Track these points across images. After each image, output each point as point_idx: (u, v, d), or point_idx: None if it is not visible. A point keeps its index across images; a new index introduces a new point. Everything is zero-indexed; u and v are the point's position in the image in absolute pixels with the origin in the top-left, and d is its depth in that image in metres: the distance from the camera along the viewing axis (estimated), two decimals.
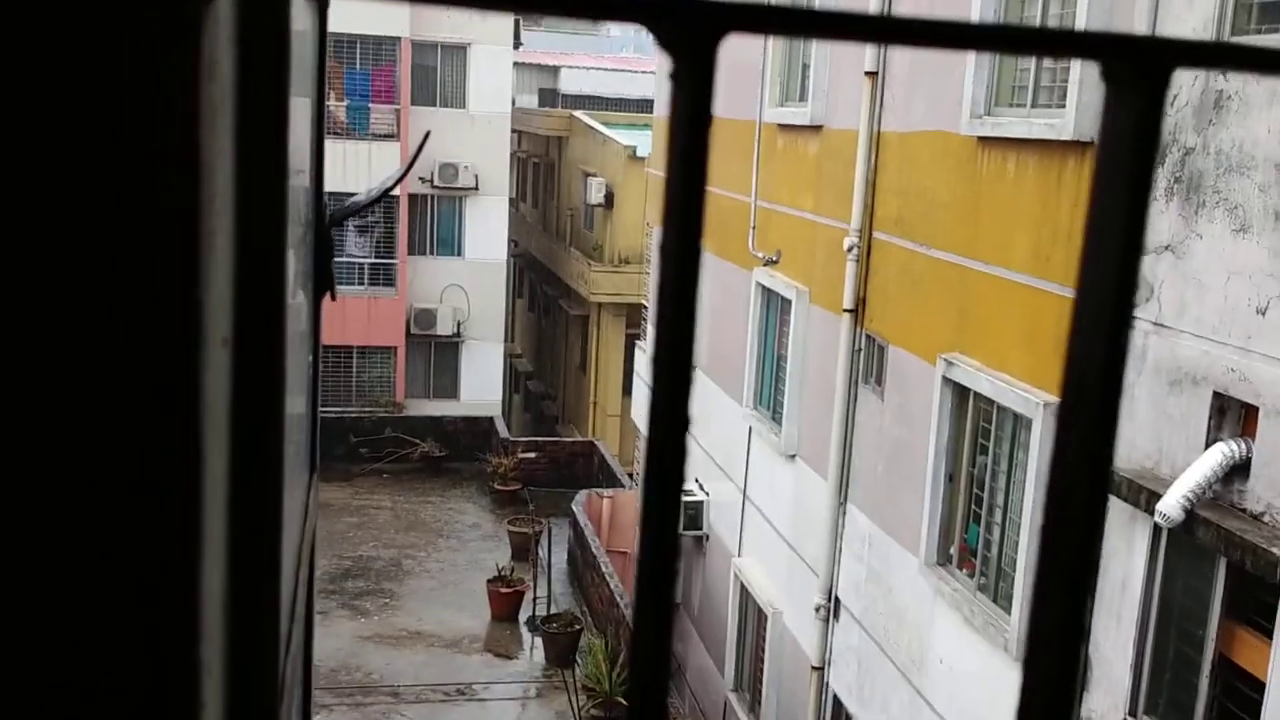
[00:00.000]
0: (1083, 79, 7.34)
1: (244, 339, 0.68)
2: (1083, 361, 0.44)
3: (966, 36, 0.42)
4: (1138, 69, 0.43)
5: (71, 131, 0.48)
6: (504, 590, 17.67)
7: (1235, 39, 6.33)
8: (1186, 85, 6.55)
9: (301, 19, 1.34)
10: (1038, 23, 8.17)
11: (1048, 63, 8.12)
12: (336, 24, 24.14)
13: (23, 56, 0.46)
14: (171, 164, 0.49)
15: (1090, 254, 0.45)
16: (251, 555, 0.74)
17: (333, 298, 1.73)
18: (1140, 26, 6.86)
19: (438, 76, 26.25)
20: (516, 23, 27.28)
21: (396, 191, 25.11)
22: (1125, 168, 0.43)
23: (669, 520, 0.43)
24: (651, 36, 0.39)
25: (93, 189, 0.48)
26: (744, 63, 13.42)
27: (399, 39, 25.28)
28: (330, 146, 25.88)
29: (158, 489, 0.53)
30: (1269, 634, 5.98)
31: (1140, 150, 0.43)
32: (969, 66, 8.68)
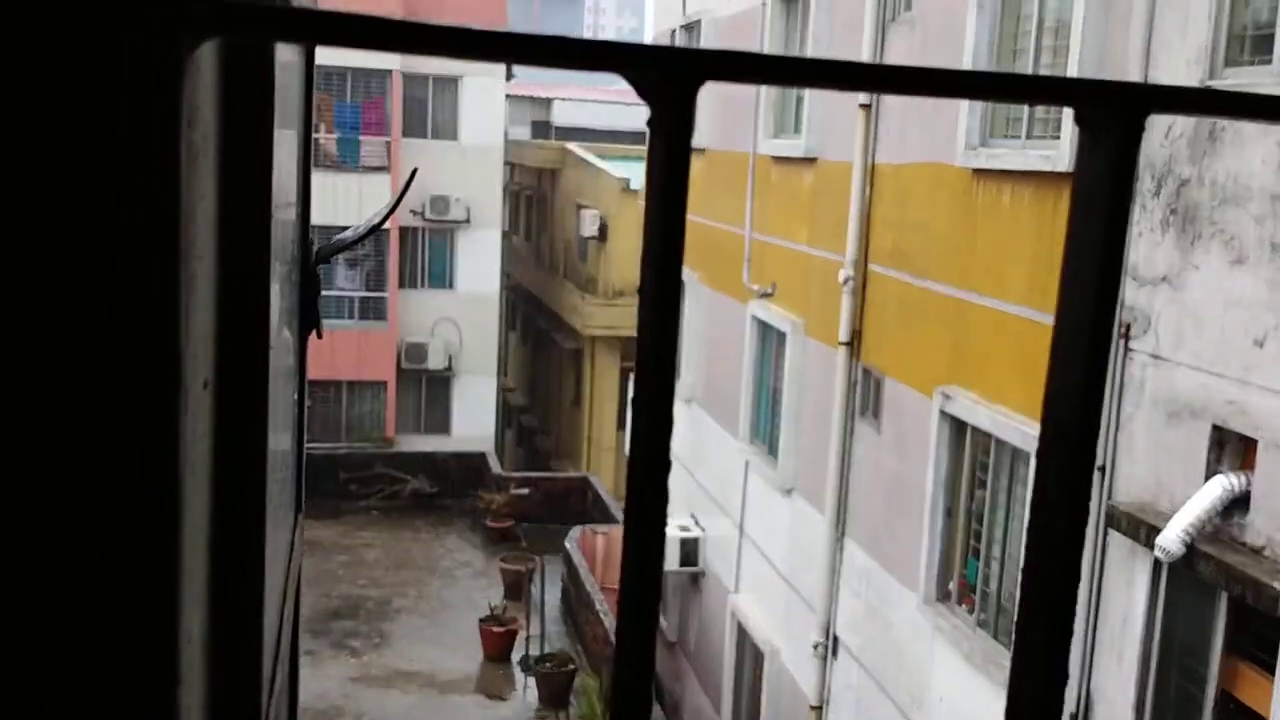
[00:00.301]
0: None
1: (227, 381, 0.66)
2: (1060, 399, 0.46)
3: (942, 84, 0.43)
4: (1112, 114, 0.44)
5: (53, 176, 0.48)
6: (496, 629, 17.50)
7: (1229, 70, 6.32)
8: (1180, 116, 6.54)
9: (288, 52, 1.30)
10: (1031, 55, 8.18)
11: None
12: (327, 57, 24.26)
13: (6, 101, 0.46)
14: (151, 209, 0.49)
15: (1066, 296, 0.46)
16: (234, 598, 0.73)
17: (318, 335, 1.68)
18: (1134, 58, 6.86)
19: (429, 109, 26.33)
20: None
21: (387, 225, 25.11)
22: (1100, 211, 0.44)
23: (651, 560, 0.44)
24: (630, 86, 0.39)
25: (72, 232, 0.48)
26: (738, 95, 13.46)
27: (390, 71, 25.37)
28: (320, 179, 25.91)
29: (135, 532, 0.52)
30: (1271, 670, 5.90)
31: (1115, 193, 0.44)
32: (963, 99, 8.68)
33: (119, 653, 0.53)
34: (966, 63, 8.64)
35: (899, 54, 9.93)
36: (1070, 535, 0.46)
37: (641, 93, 0.37)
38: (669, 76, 0.37)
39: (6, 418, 0.49)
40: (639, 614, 0.42)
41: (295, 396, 1.62)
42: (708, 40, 14.60)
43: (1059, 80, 0.46)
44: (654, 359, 0.38)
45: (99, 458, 0.51)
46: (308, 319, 1.67)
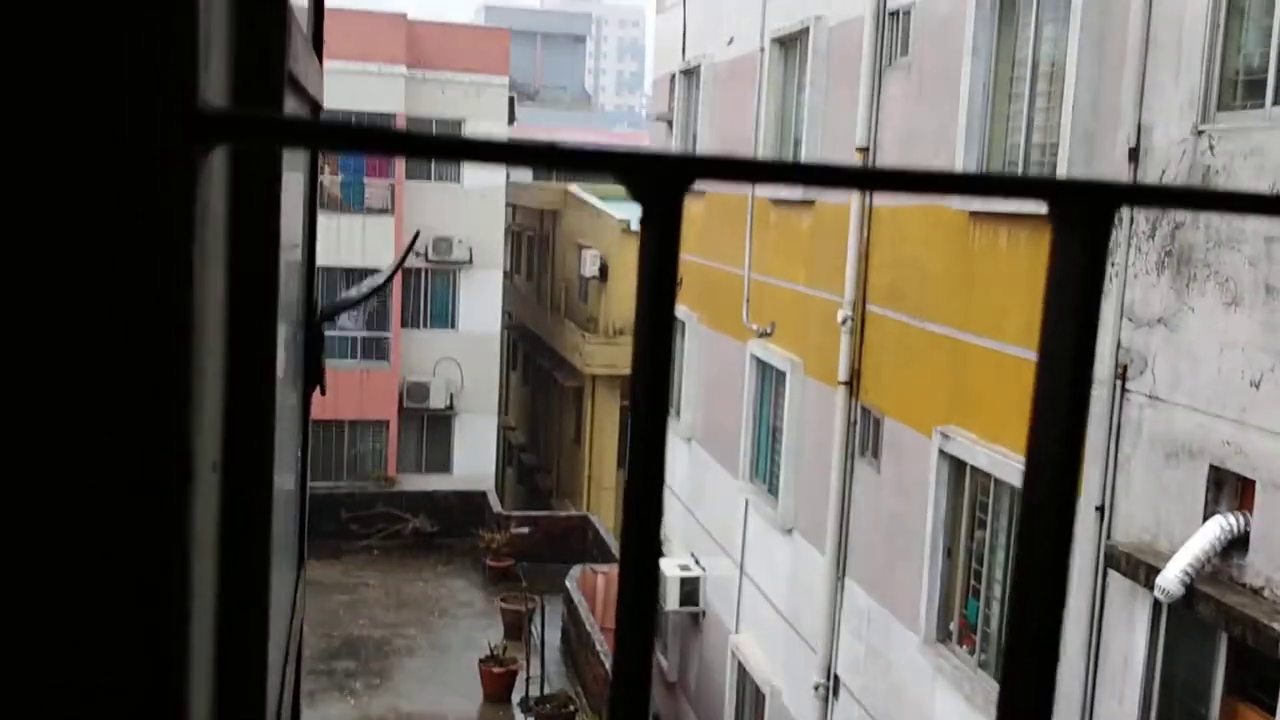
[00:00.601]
0: (1071, 155, 7.42)
1: (232, 460, 0.68)
2: (1036, 491, 0.47)
3: (924, 183, 0.46)
4: (1082, 211, 0.46)
5: (68, 283, 0.49)
6: (496, 670, 17.40)
7: (1221, 113, 6.40)
8: (1175, 159, 6.62)
9: (294, 109, 1.35)
10: (1026, 98, 8.27)
11: (1037, 137, 8.22)
12: (332, 100, 24.42)
13: (28, 195, 0.48)
14: (164, 306, 0.51)
15: (1043, 385, 0.47)
16: (237, 677, 0.73)
17: (322, 392, 1.72)
18: (1127, 101, 6.95)
19: None
20: (511, 99, 27.65)
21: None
22: (1072, 302, 0.46)
23: (647, 601, 0.45)
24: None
25: (88, 328, 0.50)
26: (736, 136, 13.59)
27: (394, 115, 25.58)
28: (325, 220, 26.06)
29: (143, 618, 0.53)
30: (1272, 710, 5.89)
31: (1086, 284, 0.46)
32: (959, 142, 8.78)
33: None
34: (962, 105, 8.75)
35: (896, 98, 10.04)
36: (1055, 570, 0.47)
37: (633, 193, 0.40)
38: (659, 178, 0.40)
39: (13, 518, 0.51)
40: (635, 653, 0.42)
41: (299, 453, 1.64)
42: (706, 83, 14.75)
43: (1033, 179, 0.50)
44: (644, 453, 0.41)
45: (107, 551, 0.52)
46: (311, 376, 1.70)
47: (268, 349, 0.78)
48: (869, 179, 0.45)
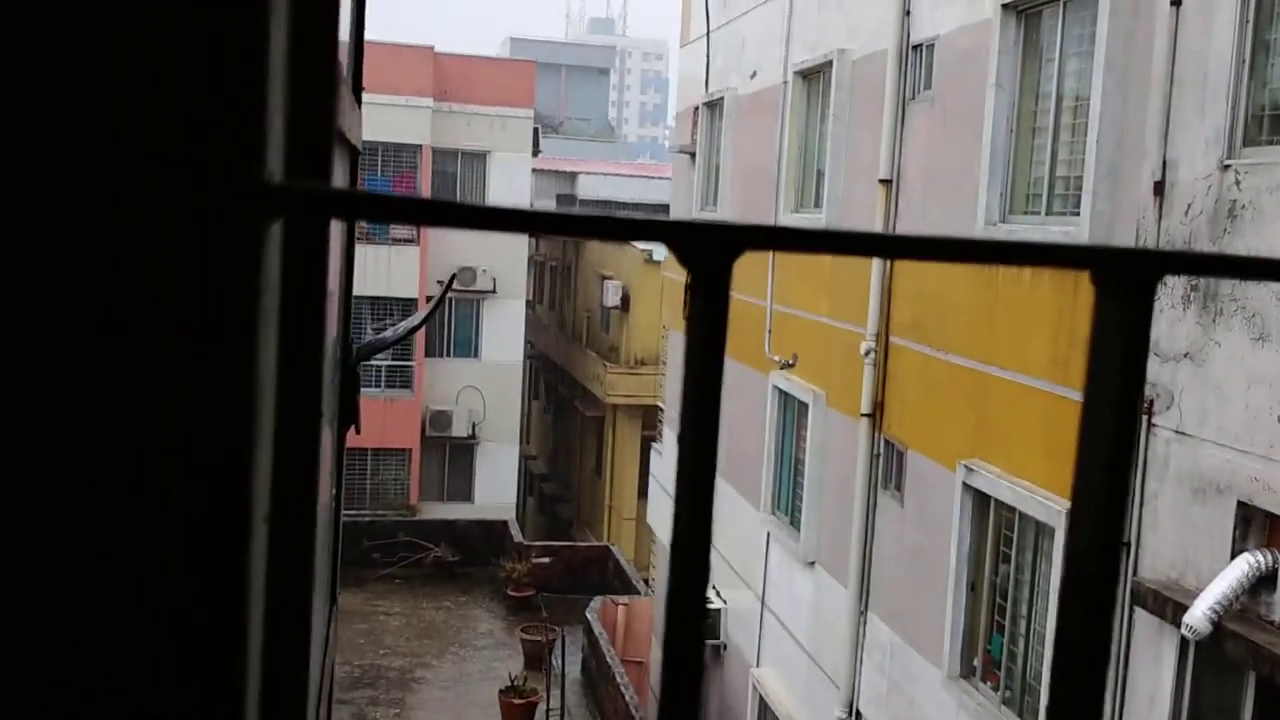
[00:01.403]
0: (1096, 189, 7.41)
1: (280, 514, 0.69)
2: (1081, 563, 0.47)
3: (959, 250, 0.47)
4: (1125, 280, 0.46)
5: (150, 346, 0.51)
6: (516, 701, 17.33)
7: (1247, 149, 6.39)
8: (1200, 194, 6.60)
9: (336, 174, 1.38)
10: (1050, 133, 8.28)
11: (1061, 170, 8.21)
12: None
13: (114, 268, 0.49)
14: (234, 368, 0.52)
15: (1085, 453, 0.47)
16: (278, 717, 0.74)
17: (357, 431, 1.74)
18: (1152, 137, 6.94)
19: (458, 182, 26.71)
20: (536, 130, 27.84)
21: (416, 295, 25.35)
22: (1115, 370, 0.46)
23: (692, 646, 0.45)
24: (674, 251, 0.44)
25: (160, 398, 0.51)
26: (759, 168, 13.63)
27: (420, 146, 25.80)
28: None
29: (203, 673, 0.55)
30: None
31: (1129, 356, 0.46)
32: (983, 174, 8.78)
33: None
34: (985, 139, 8.75)
35: (919, 131, 10.06)
36: (1100, 620, 0.48)
37: (683, 261, 0.42)
38: (709, 247, 0.41)
39: (88, 549, 0.52)
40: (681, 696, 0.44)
41: (334, 492, 1.65)
42: (729, 115, 14.82)
43: (1075, 247, 0.50)
44: (690, 512, 0.42)
45: (167, 599, 0.53)
46: (347, 416, 1.72)
47: (314, 406, 0.79)
48: (909, 247, 0.46)
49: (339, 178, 1.28)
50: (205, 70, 0.48)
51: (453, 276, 3.97)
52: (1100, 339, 0.47)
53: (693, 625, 0.43)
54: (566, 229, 0.40)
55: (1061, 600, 0.50)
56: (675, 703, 0.42)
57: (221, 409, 0.52)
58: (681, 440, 0.43)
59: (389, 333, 2.52)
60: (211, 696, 0.54)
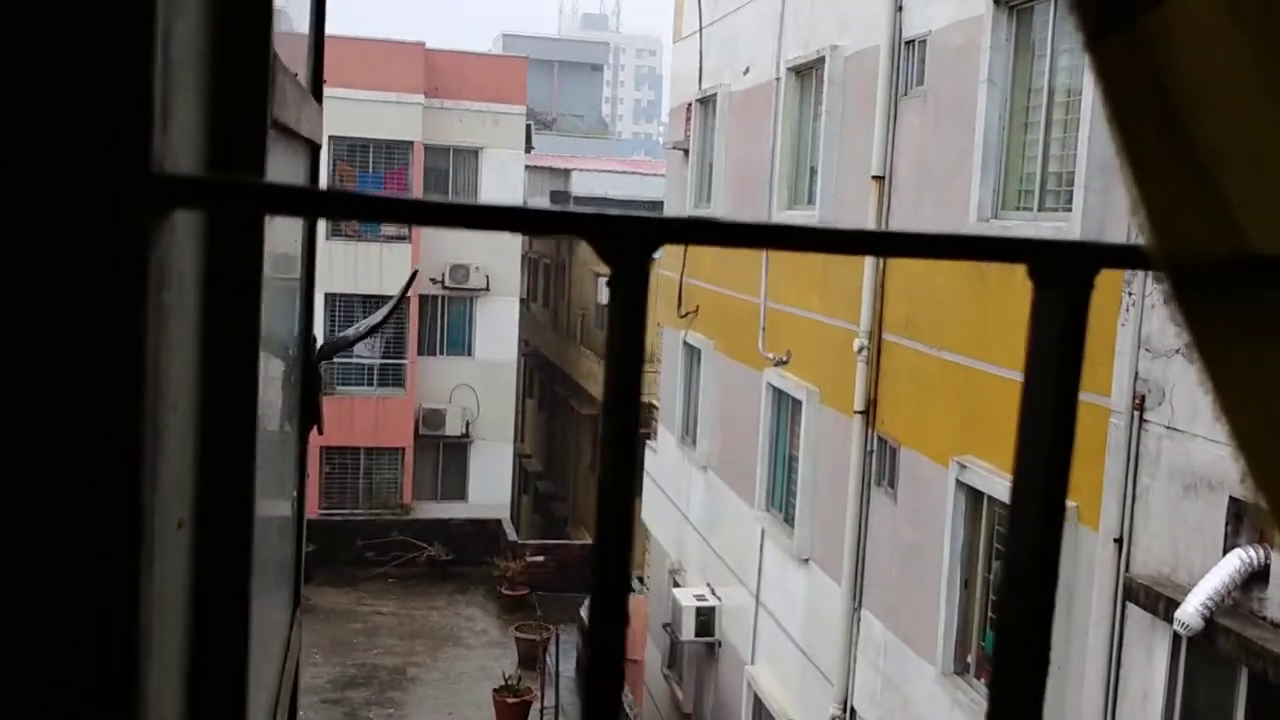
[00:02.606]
0: (1088, 184, 7.41)
1: (209, 514, 0.67)
2: (1020, 551, 0.47)
3: (892, 244, 0.48)
4: (1063, 272, 0.46)
5: (20, 347, 0.49)
6: (510, 700, 17.33)
7: None
8: None
9: (291, 170, 1.35)
10: (1042, 128, 8.27)
11: (1053, 166, 8.20)
12: (350, 128, 24.68)
13: None
14: (113, 368, 0.50)
15: (1024, 444, 0.47)
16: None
17: (320, 431, 1.71)
18: None
19: (450, 179, 26.67)
20: (528, 127, 27.81)
21: (408, 293, 25.29)
22: (1054, 363, 0.46)
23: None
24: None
25: (35, 385, 0.50)
26: (753, 167, 13.62)
27: (412, 143, 25.75)
28: (343, 248, 26.05)
29: (97, 671, 0.52)
30: None
31: (1067, 347, 0.46)
32: (975, 170, 8.77)
33: None
34: (978, 135, 8.74)
35: (911, 127, 10.05)
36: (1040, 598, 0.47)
37: (602, 255, 0.40)
38: (626, 240, 0.40)
39: None
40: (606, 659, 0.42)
41: (295, 494, 1.64)
42: (722, 112, 14.81)
43: (1013, 240, 0.50)
44: (612, 503, 0.41)
45: (58, 610, 0.51)
46: (308, 416, 1.70)
47: (247, 405, 0.77)
48: (842, 241, 0.45)
49: (288, 173, 1.25)
50: (82, 61, 0.46)
51: (413, 275, 3.96)
52: (1039, 332, 0.47)
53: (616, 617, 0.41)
54: (476, 222, 0.38)
55: (1002, 588, 0.49)
56: (602, 640, 0.41)
57: (105, 409, 0.50)
58: (602, 439, 0.41)
59: (350, 331, 2.50)
60: (104, 703, 0.52)
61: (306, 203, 0.38)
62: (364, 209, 0.36)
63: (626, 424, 0.42)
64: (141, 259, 0.48)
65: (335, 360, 25.06)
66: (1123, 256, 0.48)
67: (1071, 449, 0.46)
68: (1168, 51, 0.44)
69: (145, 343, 0.50)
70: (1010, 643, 0.48)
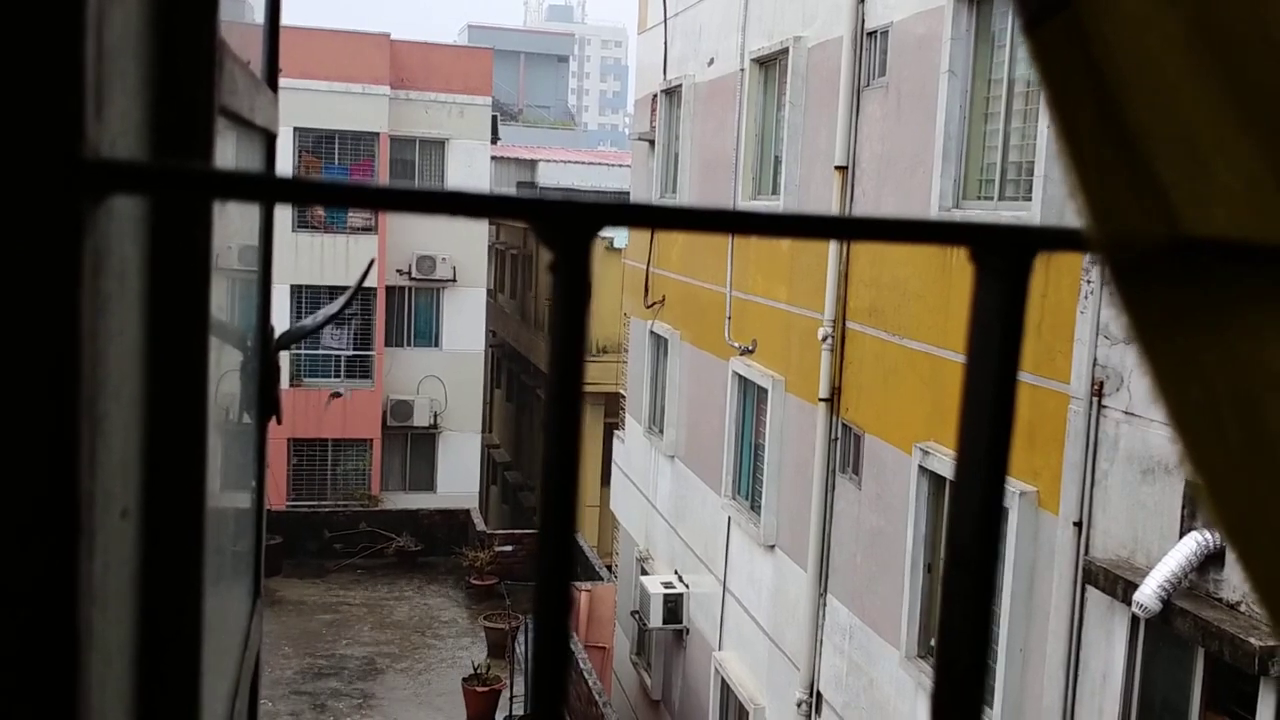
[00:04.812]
0: (1047, 174, 7.49)
1: (156, 503, 0.68)
2: (962, 528, 0.47)
3: (833, 228, 0.48)
4: (1003, 255, 0.47)
5: None
6: (480, 689, 17.33)
7: None
8: None
9: (246, 158, 1.36)
10: (1002, 118, 8.35)
11: (1013, 156, 8.29)
12: (315, 119, 24.51)
13: None
14: (46, 354, 0.50)
15: (966, 425, 0.47)
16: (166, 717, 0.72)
17: (278, 422, 1.73)
18: None
19: (416, 170, 26.54)
20: (494, 118, 27.70)
21: (374, 284, 25.20)
22: (994, 344, 0.47)
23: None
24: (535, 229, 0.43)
25: None
26: (718, 157, 13.65)
27: (378, 134, 25.61)
28: (309, 240, 25.81)
29: (36, 683, 0.52)
30: None
31: (1008, 327, 0.47)
32: (936, 160, 8.85)
33: None
34: (939, 125, 8.81)
35: (874, 118, 10.11)
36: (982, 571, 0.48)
37: (542, 239, 0.42)
38: (567, 225, 0.41)
39: None
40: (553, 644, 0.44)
41: (255, 484, 1.64)
42: (688, 103, 14.83)
43: (953, 224, 0.50)
44: (556, 497, 0.42)
45: None
46: (267, 406, 1.70)
47: (196, 393, 0.78)
48: (787, 225, 0.47)
49: (241, 161, 1.26)
50: (7, 44, 0.46)
51: (370, 263, 3.94)
52: (979, 316, 0.48)
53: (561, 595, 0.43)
54: (419, 206, 0.40)
55: (945, 570, 0.51)
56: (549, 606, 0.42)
57: (38, 397, 0.50)
58: (546, 423, 0.43)
59: (309, 321, 2.52)
60: (40, 696, 0.52)
61: (243, 187, 0.39)
62: (307, 193, 0.38)
63: (569, 411, 0.43)
64: (74, 245, 0.48)
65: (304, 352, 24.90)
66: (1061, 240, 0.50)
67: (1012, 427, 0.48)
68: (1103, 33, 0.44)
69: (80, 329, 0.50)
70: (953, 616, 0.49)
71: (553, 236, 0.42)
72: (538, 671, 0.45)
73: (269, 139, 1.62)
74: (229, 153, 1.06)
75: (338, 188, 0.40)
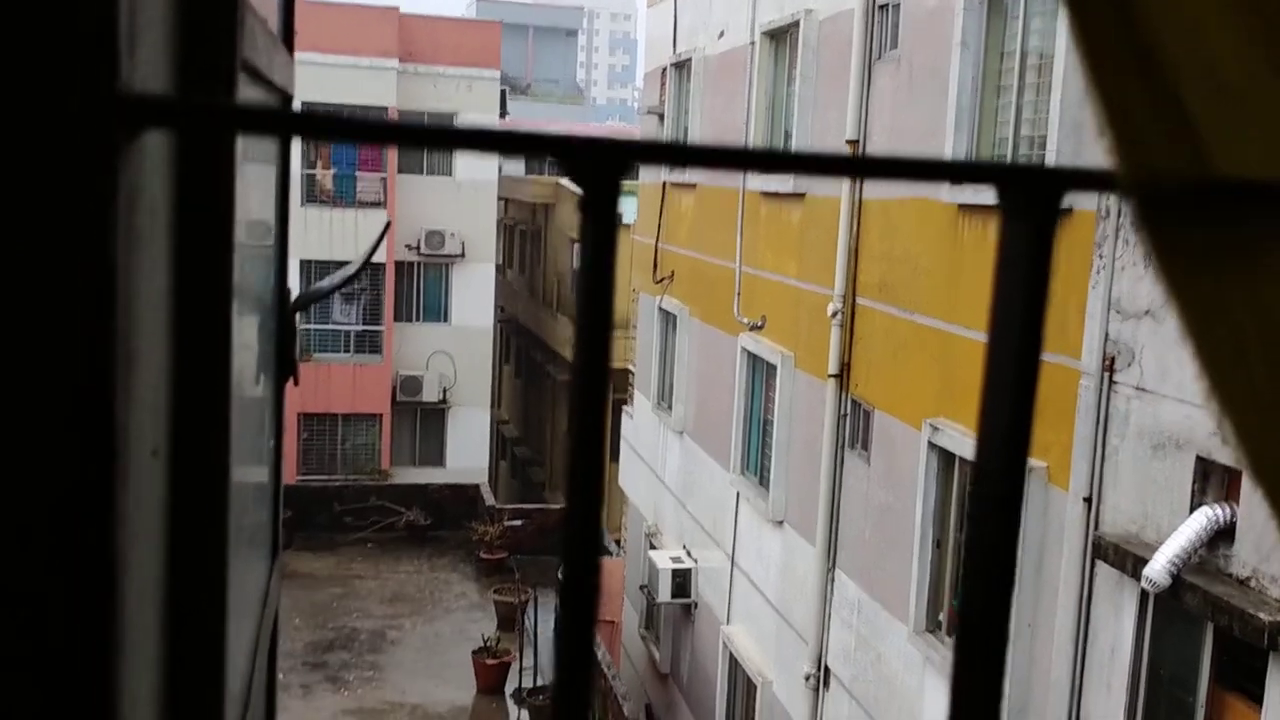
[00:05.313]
0: (1059, 147, 7.45)
1: (183, 447, 0.68)
2: (984, 486, 0.48)
3: (864, 167, 0.46)
4: (1030, 196, 0.46)
5: None
6: (490, 661, 17.44)
7: None
8: None
9: (260, 97, 1.36)
10: (1015, 90, 8.29)
11: (1025, 129, 8.24)
12: (324, 94, 24.43)
13: None
14: (82, 301, 0.51)
15: (992, 367, 0.47)
16: (192, 665, 0.73)
17: (295, 383, 1.73)
18: None
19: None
20: (503, 92, 27.62)
21: (383, 259, 25.20)
22: (1021, 287, 0.46)
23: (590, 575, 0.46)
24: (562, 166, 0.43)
25: (6, 308, 0.50)
26: (728, 132, 13.59)
27: (386, 109, 25.53)
28: (318, 214, 25.83)
29: (71, 606, 0.53)
30: (1258, 699, 5.92)
31: (1035, 269, 0.46)
32: (948, 133, 8.80)
33: None
34: (951, 98, 8.76)
35: (885, 91, 10.05)
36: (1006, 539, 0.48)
37: (572, 177, 0.42)
38: (597, 162, 0.41)
39: None
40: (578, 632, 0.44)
41: (272, 443, 1.65)
42: (697, 76, 14.75)
43: (980, 164, 0.50)
44: (581, 430, 0.42)
45: (32, 527, 0.51)
46: (284, 366, 1.71)
47: (221, 336, 0.78)
48: (813, 164, 0.46)
49: (265, 98, 1.26)
50: None
51: (387, 224, 3.98)
52: (1006, 258, 0.47)
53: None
54: (446, 143, 0.40)
55: (970, 522, 0.50)
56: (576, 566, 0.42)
57: (79, 330, 0.51)
58: (573, 367, 0.43)
59: (325, 282, 2.52)
60: (78, 621, 0.53)
61: (274, 123, 0.39)
62: (332, 130, 0.38)
63: (597, 356, 0.42)
64: (112, 179, 0.49)
65: (313, 327, 24.94)
66: (1090, 180, 0.49)
67: (1037, 375, 0.47)
68: None
69: (116, 261, 0.51)
70: (975, 568, 0.49)
71: (583, 174, 0.42)
72: (563, 646, 0.46)
73: (285, 99, 1.62)
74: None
75: (359, 123, 0.40)
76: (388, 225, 3.62)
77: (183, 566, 0.72)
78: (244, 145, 0.97)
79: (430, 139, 0.40)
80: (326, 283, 2.46)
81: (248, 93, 1.00)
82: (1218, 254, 0.46)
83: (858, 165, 0.49)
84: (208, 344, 0.76)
